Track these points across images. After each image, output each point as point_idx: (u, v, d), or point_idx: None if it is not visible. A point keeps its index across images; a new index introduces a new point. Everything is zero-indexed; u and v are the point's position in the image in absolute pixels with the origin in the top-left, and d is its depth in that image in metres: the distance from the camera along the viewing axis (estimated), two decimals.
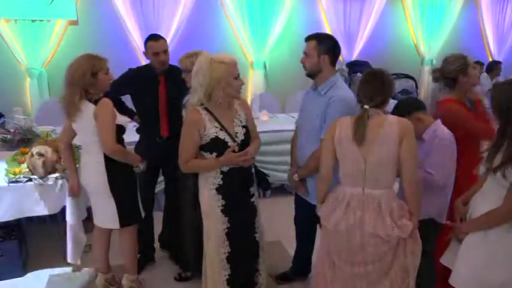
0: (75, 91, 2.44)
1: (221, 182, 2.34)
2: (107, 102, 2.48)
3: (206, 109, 2.29)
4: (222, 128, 2.29)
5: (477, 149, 2.56)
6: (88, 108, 2.46)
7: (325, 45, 2.46)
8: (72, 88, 2.45)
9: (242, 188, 2.41)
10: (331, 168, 2.14)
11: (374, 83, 2.06)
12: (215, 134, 2.27)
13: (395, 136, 1.98)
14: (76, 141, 3.50)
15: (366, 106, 2.01)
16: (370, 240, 2.02)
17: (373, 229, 2.00)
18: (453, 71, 2.59)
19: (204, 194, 2.39)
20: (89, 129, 2.50)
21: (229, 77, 2.24)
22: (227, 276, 2.44)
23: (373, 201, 2.02)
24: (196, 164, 2.34)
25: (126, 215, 2.66)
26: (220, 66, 2.21)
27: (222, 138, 2.28)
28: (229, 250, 2.41)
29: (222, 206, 2.37)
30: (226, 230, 2.39)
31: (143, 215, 2.79)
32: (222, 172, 2.33)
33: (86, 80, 2.43)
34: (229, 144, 2.28)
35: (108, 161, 2.54)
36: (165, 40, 3.01)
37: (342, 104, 2.41)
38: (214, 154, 2.30)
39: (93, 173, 2.58)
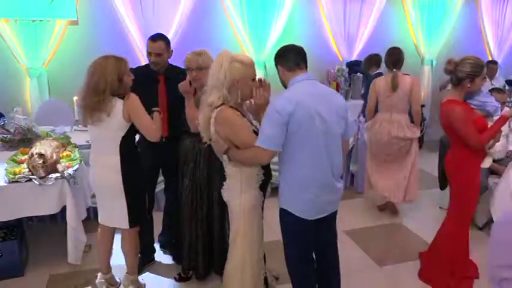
0: (102, 97, 2.43)
1: (263, 177, 2.35)
2: (135, 97, 2.52)
3: (231, 107, 2.24)
4: (251, 124, 2.33)
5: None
6: (117, 104, 2.47)
7: (276, 60, 2.34)
8: (99, 96, 2.43)
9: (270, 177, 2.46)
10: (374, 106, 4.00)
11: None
12: (252, 128, 2.28)
13: (408, 86, 3.79)
14: (77, 141, 3.53)
15: (394, 69, 3.82)
16: (392, 140, 3.88)
17: (396, 133, 3.85)
18: (464, 73, 2.64)
19: (250, 194, 2.33)
20: (115, 125, 2.50)
21: (247, 78, 2.24)
22: (264, 275, 2.49)
23: (396, 120, 3.88)
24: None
25: (135, 216, 2.67)
26: (241, 67, 2.21)
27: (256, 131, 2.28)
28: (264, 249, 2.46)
29: (262, 202, 2.39)
30: (262, 226, 2.44)
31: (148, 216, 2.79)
32: (263, 167, 2.33)
33: (113, 87, 2.45)
34: None
35: (124, 161, 2.55)
36: (166, 43, 2.96)
37: (269, 107, 2.18)
38: None
39: (108, 173, 2.58)
